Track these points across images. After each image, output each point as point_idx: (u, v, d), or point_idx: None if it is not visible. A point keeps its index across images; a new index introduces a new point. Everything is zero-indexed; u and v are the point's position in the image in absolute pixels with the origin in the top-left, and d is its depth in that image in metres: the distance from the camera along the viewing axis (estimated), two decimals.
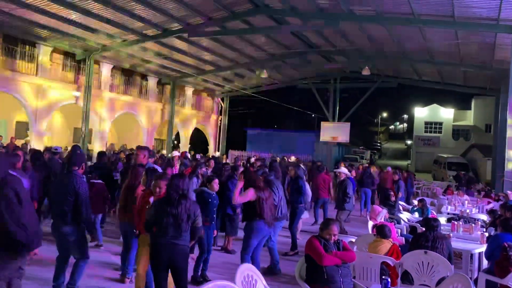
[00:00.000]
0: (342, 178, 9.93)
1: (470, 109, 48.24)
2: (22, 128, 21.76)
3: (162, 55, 21.68)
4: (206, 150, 31.78)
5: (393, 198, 9.70)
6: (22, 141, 17.79)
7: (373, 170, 15.71)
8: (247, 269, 3.67)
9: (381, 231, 5.28)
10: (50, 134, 21.36)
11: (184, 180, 4.32)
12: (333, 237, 4.19)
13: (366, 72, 22.26)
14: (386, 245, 5.16)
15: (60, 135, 23.44)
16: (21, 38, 19.12)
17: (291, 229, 8.14)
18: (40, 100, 19.96)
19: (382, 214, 7.51)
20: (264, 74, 23.53)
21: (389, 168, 15.53)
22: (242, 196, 5.57)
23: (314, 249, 4.06)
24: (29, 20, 16.43)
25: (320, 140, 29.49)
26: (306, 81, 30.32)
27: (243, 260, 5.52)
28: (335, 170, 12.34)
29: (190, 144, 30.80)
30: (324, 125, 29.19)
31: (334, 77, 30.03)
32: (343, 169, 10.61)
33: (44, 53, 19.92)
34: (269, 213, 5.66)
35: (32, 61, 19.89)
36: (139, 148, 6.63)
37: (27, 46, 19.64)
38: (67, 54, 21.71)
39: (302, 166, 10.70)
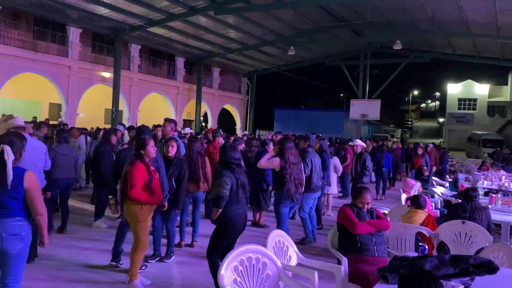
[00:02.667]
0: (358, 151, 9.67)
1: (506, 84, 46.28)
2: (55, 110, 22.34)
3: (189, 34, 21.62)
4: (233, 130, 31.85)
5: (426, 173, 9.45)
6: (55, 122, 18.24)
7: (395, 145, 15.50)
8: (278, 235, 3.62)
9: (415, 201, 5.12)
10: (82, 115, 21.85)
11: (237, 151, 4.62)
12: (366, 206, 4.07)
13: (397, 46, 21.54)
14: (421, 215, 5.01)
15: (92, 116, 23.93)
16: (52, 21, 19.44)
17: None
18: (71, 81, 20.37)
19: (416, 188, 7.32)
20: (292, 52, 23.15)
21: (431, 144, 15.46)
22: (267, 162, 5.68)
23: (346, 217, 3.96)
24: (59, 1, 16.64)
25: (350, 117, 29.00)
26: (334, 58, 29.69)
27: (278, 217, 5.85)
28: (350, 143, 12.03)
29: (217, 124, 30.91)
30: (353, 102, 28.64)
31: (363, 53, 29.29)
32: (358, 141, 10.33)
33: (74, 35, 20.22)
34: (292, 187, 5.63)
35: (62, 43, 20.25)
36: (167, 120, 6.68)
37: (58, 28, 19.98)
38: (96, 36, 21.99)
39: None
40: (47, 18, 19.02)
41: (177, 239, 6.09)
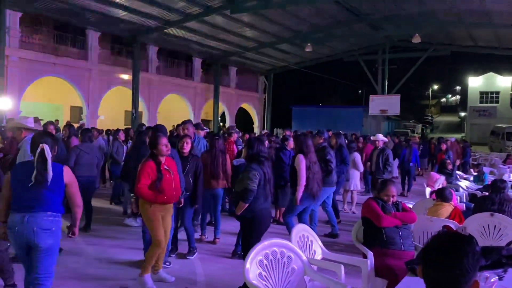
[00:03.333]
0: (380, 146, 9.50)
1: None
2: (77, 112, 22.73)
3: (205, 34, 21.71)
4: (251, 129, 31.86)
5: (450, 166, 9.26)
6: (77, 125, 18.55)
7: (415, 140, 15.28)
8: (302, 230, 3.58)
9: (441, 194, 5.01)
10: (103, 118, 22.17)
11: (264, 144, 4.65)
12: (391, 199, 3.99)
13: (416, 40, 21.21)
14: (447, 208, 4.90)
15: (112, 118, 24.26)
16: (71, 25, 19.78)
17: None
18: (91, 84, 20.69)
19: (440, 181, 7.17)
20: (309, 48, 23.00)
21: (452, 138, 15.21)
22: (300, 168, 5.47)
23: (371, 210, 3.89)
24: (78, 5, 16.90)
25: (369, 113, 28.64)
26: (352, 54, 29.37)
27: (286, 222, 5.64)
28: (372, 137, 11.79)
29: (235, 123, 30.96)
30: (372, 98, 28.27)
31: (382, 47, 28.87)
32: (380, 136, 10.13)
33: (93, 38, 20.53)
34: (315, 186, 5.55)
35: (82, 46, 20.58)
36: (188, 122, 6.79)
37: (77, 32, 20.32)
38: (115, 38, 22.27)
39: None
40: (67, 22, 19.34)
41: (198, 235, 6.25)
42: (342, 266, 3.12)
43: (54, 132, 7.42)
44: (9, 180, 3.30)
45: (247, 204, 4.18)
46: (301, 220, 5.70)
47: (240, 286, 4.29)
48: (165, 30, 20.21)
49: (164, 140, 4.36)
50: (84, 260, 5.30)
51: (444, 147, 12.10)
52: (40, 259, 3.21)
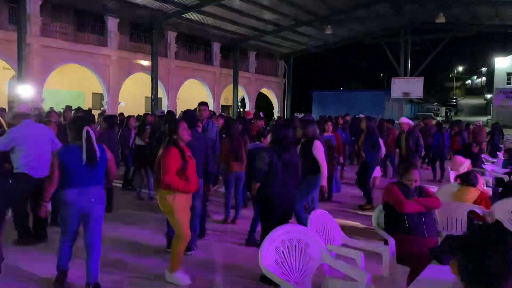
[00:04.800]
0: (406, 129, 9.22)
1: None
2: (98, 99, 22.97)
3: (224, 19, 21.49)
4: (271, 114, 31.66)
5: (475, 150, 8.96)
6: (98, 111, 18.75)
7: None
8: (321, 216, 3.47)
9: (466, 178, 4.81)
10: (124, 104, 22.34)
11: (290, 129, 4.49)
12: (414, 183, 3.84)
13: (440, 20, 20.51)
14: (473, 193, 4.70)
15: (133, 104, 24.44)
16: (91, 12, 19.85)
17: (364, 185, 7.81)
18: (111, 70, 20.83)
19: (465, 165, 6.93)
20: (328, 31, 22.54)
21: (480, 122, 14.88)
22: (319, 154, 5.31)
23: (393, 195, 3.75)
24: None
25: (391, 97, 28.01)
26: (373, 36, 28.67)
27: (297, 212, 5.33)
28: (397, 121, 11.46)
29: (255, 108, 30.80)
30: (395, 80, 27.61)
31: (404, 29, 28.08)
32: (405, 119, 9.85)
33: (112, 25, 20.59)
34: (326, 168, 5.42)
35: (102, 33, 20.68)
36: (203, 104, 6.72)
37: (97, 19, 20.40)
38: (133, 25, 22.29)
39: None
40: (86, 9, 19.41)
41: (222, 217, 6.47)
42: (361, 253, 3.00)
43: (57, 118, 7.49)
44: (56, 164, 3.71)
45: (258, 184, 4.20)
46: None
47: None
48: (183, 15, 20.08)
49: (184, 124, 4.14)
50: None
51: (456, 129, 11.75)
52: (95, 226, 3.84)
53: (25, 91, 15.86)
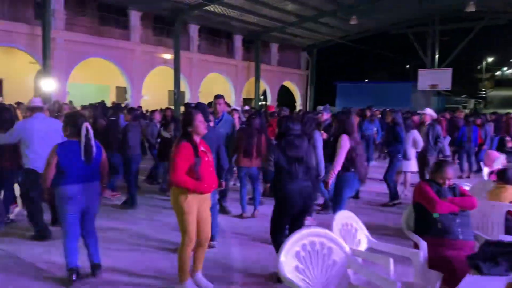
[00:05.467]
0: (428, 121, 8.80)
1: None
2: (122, 93, 23.13)
3: (246, 10, 21.23)
4: (293, 107, 31.28)
5: (510, 144, 8.50)
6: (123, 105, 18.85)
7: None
8: (345, 217, 3.24)
9: (503, 175, 4.46)
10: (147, 98, 22.45)
11: (296, 121, 4.28)
12: (447, 181, 3.55)
13: (470, 8, 19.74)
14: (510, 192, 4.36)
15: (156, 98, 24.54)
16: (114, 6, 19.92)
17: (387, 179, 7.48)
18: (134, 64, 20.90)
19: (499, 161, 6.53)
20: (354, 21, 21.98)
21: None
22: (340, 149, 4.94)
23: (425, 195, 3.47)
24: None
25: (418, 89, 27.26)
26: (399, 26, 27.86)
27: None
28: (419, 112, 10.92)
29: (277, 101, 30.50)
30: (422, 72, 26.84)
31: (432, 18, 27.21)
32: (429, 110, 9.38)
33: (135, 18, 20.63)
34: (361, 166, 5.05)
35: (125, 27, 20.75)
36: (219, 97, 6.54)
37: (120, 13, 20.46)
38: (156, 18, 22.28)
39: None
40: (110, 3, 19.49)
41: (239, 211, 6.41)
42: (391, 260, 2.76)
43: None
44: (54, 163, 3.79)
45: (268, 184, 4.08)
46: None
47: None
48: (205, 8, 19.93)
49: (200, 116, 3.76)
50: (127, 238, 5.24)
51: (478, 121, 11.20)
52: (91, 218, 4.10)
53: (50, 85, 16.05)
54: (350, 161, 4.96)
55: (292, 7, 21.72)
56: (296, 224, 4.17)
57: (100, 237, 4.38)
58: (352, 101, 31.04)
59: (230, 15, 21.95)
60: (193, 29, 23.64)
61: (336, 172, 4.95)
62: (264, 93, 31.20)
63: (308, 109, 26.92)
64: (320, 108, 7.45)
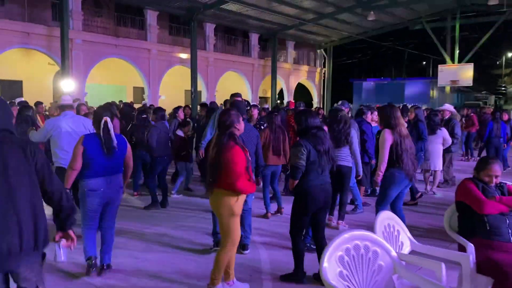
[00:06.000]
0: (446, 117, 8.51)
1: None
2: (139, 93, 23.18)
3: (262, 8, 21.04)
4: (310, 105, 30.97)
5: None
6: (140, 105, 18.84)
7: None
8: (387, 218, 3.03)
9: None
10: (164, 97, 22.43)
11: (315, 116, 4.07)
12: (494, 179, 3.31)
13: (493, 1, 19.17)
14: None
15: (173, 98, 24.53)
16: (131, 6, 19.96)
17: None
18: (151, 64, 20.90)
19: None
20: (371, 17, 21.61)
21: None
22: (382, 145, 4.68)
23: (470, 194, 3.24)
24: None
25: (438, 85, 26.67)
26: (418, 21, 27.28)
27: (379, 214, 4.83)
28: (439, 108, 10.64)
29: (294, 99, 30.22)
30: (442, 68, 26.25)
31: (451, 13, 26.56)
32: (447, 106, 9.09)
33: (151, 18, 20.62)
34: (409, 162, 4.73)
35: (141, 27, 20.77)
36: (236, 95, 6.40)
37: (136, 13, 20.50)
38: (172, 18, 22.27)
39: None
40: (126, 3, 19.52)
41: (263, 211, 6.33)
42: (443, 265, 2.54)
43: (85, 111, 7.39)
44: (80, 153, 3.80)
45: (297, 181, 3.84)
46: (395, 208, 4.89)
47: (315, 273, 3.96)
48: (221, 6, 19.81)
49: (240, 117, 3.69)
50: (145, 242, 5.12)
51: (506, 117, 10.80)
52: (114, 212, 4.13)
53: (69, 85, 16.12)
54: (395, 157, 4.70)
55: (309, 4, 21.46)
56: (318, 224, 4.05)
57: (123, 239, 4.28)
58: (369, 99, 30.61)
59: (246, 13, 21.79)
60: (209, 28, 23.56)
61: (383, 170, 4.68)
62: (281, 91, 30.97)
63: (322, 107, 26.61)
64: (338, 103, 7.22)
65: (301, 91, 33.62)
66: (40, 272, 2.35)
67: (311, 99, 32.58)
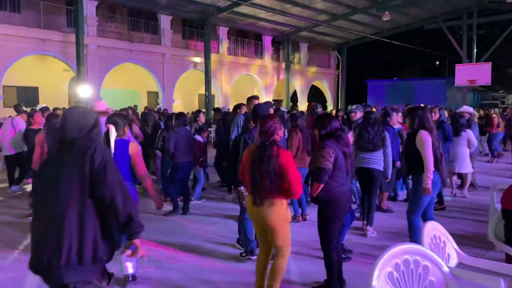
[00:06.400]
0: (466, 117, 8.26)
1: None
2: (153, 97, 23.21)
3: (275, 10, 20.91)
4: (324, 107, 30.69)
5: None
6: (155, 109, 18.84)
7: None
8: (434, 229, 2.84)
9: None
10: (178, 102, 22.41)
11: (335, 118, 3.93)
12: None
13: None
14: None
15: (187, 102, 24.52)
16: (144, 11, 19.99)
17: None
18: (165, 68, 20.90)
19: None
20: (386, 17, 21.33)
21: None
22: (425, 147, 4.41)
23: None
24: None
25: (456, 85, 26.18)
26: (434, 20, 26.83)
27: (411, 223, 4.58)
28: (458, 110, 10.40)
29: (308, 101, 30.01)
30: (459, 67, 25.77)
31: (468, 11, 26.09)
32: (466, 107, 8.85)
33: (165, 22, 20.64)
34: (444, 166, 4.54)
35: (155, 31, 20.79)
36: (255, 97, 6.29)
37: (149, 17, 20.54)
38: (185, 22, 22.26)
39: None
40: (140, 8, 19.57)
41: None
42: (502, 281, 2.35)
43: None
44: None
45: (322, 185, 3.61)
46: (427, 215, 4.66)
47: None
48: (234, 9, 19.73)
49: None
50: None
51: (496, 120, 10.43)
52: None
53: (85, 91, 16.17)
54: (434, 161, 4.46)
55: (322, 5, 21.27)
56: (342, 228, 3.96)
57: (146, 248, 4.13)
58: (384, 100, 30.24)
59: (259, 16, 21.69)
60: (222, 31, 23.49)
61: (431, 174, 4.39)
62: (294, 94, 30.78)
63: (339, 108, 26.30)
64: (353, 107, 7.01)
65: (315, 93, 33.38)
66: None
67: (326, 101, 32.31)
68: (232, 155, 4.89)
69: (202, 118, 7.93)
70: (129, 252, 2.32)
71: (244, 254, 4.70)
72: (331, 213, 3.73)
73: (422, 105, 10.15)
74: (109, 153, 2.37)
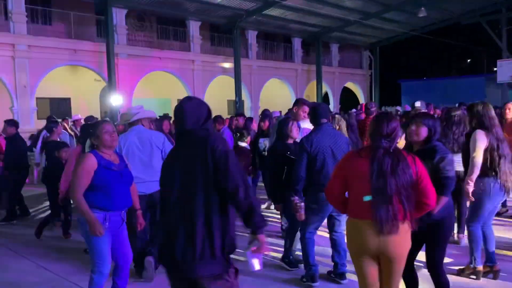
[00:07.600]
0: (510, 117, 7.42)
1: None
2: None
3: (305, 11, 20.40)
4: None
5: None
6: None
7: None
8: None
9: None
10: None
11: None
12: None
13: None
14: None
15: (217, 108, 24.17)
16: (173, 18, 19.87)
17: None
18: (195, 75, 20.70)
19: None
20: (422, 13, 20.41)
21: None
22: (475, 148, 3.90)
23: None
24: None
25: (498, 81, 24.88)
26: (471, 15, 25.61)
27: (472, 232, 4.04)
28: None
29: (340, 103, 29.26)
30: (501, 63, 24.47)
31: (507, 3, 24.77)
32: (511, 104, 7.99)
33: (194, 28, 20.45)
34: (506, 171, 3.91)
35: (184, 38, 20.64)
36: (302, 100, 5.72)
37: (178, 25, 20.42)
38: (213, 27, 22.02)
39: None
40: (168, 15, 19.46)
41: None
42: None
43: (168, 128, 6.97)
44: None
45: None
46: (484, 226, 4.08)
47: None
48: (264, 12, 19.34)
49: None
50: None
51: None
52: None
53: (117, 100, 16.08)
54: (489, 163, 3.92)
55: (353, 3, 20.59)
56: None
57: None
58: (419, 100, 29.07)
59: (288, 18, 21.22)
60: (251, 36, 23.13)
61: (474, 178, 3.89)
62: (325, 96, 30.07)
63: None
64: (418, 104, 6.45)
65: (347, 95, 32.58)
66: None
67: (358, 103, 31.44)
68: (273, 164, 4.60)
69: (240, 121, 7.39)
70: (254, 248, 2.26)
71: (304, 280, 4.12)
72: (447, 233, 3.20)
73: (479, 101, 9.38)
74: (227, 143, 2.34)
